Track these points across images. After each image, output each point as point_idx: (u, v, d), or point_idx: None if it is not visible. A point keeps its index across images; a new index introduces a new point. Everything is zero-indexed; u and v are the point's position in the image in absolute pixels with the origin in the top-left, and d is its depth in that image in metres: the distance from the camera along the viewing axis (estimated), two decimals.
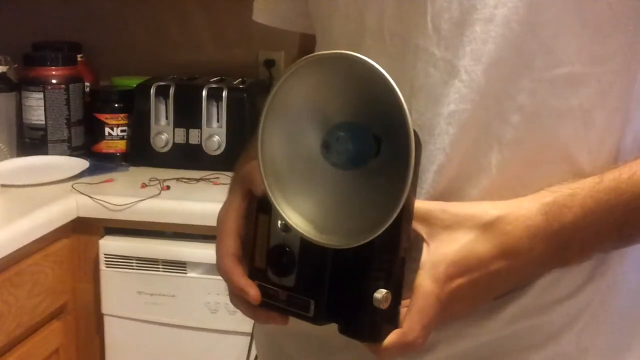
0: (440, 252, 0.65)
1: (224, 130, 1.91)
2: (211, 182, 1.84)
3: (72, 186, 1.75)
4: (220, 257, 0.76)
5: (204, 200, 1.71)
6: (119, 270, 1.69)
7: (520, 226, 0.65)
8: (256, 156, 0.62)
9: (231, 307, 1.74)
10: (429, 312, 0.64)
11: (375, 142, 0.62)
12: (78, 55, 2.11)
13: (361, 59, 0.58)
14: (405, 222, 0.64)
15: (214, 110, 1.92)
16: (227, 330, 1.67)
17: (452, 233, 0.65)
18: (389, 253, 0.64)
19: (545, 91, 0.68)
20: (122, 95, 2.01)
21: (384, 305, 0.64)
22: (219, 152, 1.91)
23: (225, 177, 1.85)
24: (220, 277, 1.67)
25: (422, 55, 0.69)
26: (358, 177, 0.63)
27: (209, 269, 1.67)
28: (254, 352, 1.65)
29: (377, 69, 0.58)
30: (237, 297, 0.73)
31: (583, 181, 0.66)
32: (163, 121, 1.95)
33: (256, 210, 0.72)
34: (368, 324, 0.65)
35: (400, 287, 0.65)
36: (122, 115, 2.00)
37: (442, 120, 0.68)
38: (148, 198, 1.69)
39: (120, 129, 2.00)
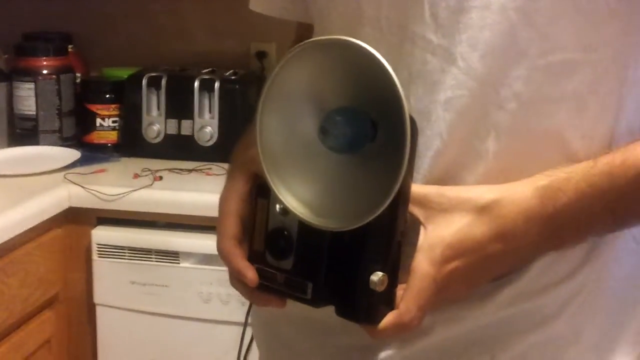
0: (437, 235, 0.66)
1: (216, 121, 1.91)
2: (204, 172, 1.84)
3: (64, 176, 1.75)
4: (221, 239, 0.76)
5: (196, 191, 1.71)
6: (111, 260, 1.69)
7: (515, 209, 0.66)
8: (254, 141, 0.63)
9: (224, 296, 1.75)
10: (426, 294, 0.65)
11: (372, 127, 0.63)
12: (69, 46, 2.11)
13: (358, 44, 0.59)
14: (401, 206, 0.65)
15: (206, 101, 1.92)
16: (219, 320, 1.68)
17: (449, 216, 0.66)
18: (386, 236, 0.65)
19: (540, 78, 0.68)
20: (114, 86, 2.01)
21: (380, 288, 0.65)
22: (211, 143, 1.91)
23: (218, 168, 1.85)
24: (213, 267, 1.69)
25: (419, 42, 0.69)
26: (354, 162, 0.64)
27: (201, 259, 1.67)
28: (246, 342, 1.66)
29: (373, 54, 0.59)
30: (236, 280, 0.74)
31: (577, 165, 0.67)
32: (155, 112, 1.95)
33: (255, 194, 0.72)
34: (364, 306, 0.66)
35: (396, 270, 0.66)
36: (113, 106, 2.00)
37: (439, 106, 0.69)
38: (141, 188, 1.69)
39: (111, 119, 2.00)
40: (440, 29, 0.68)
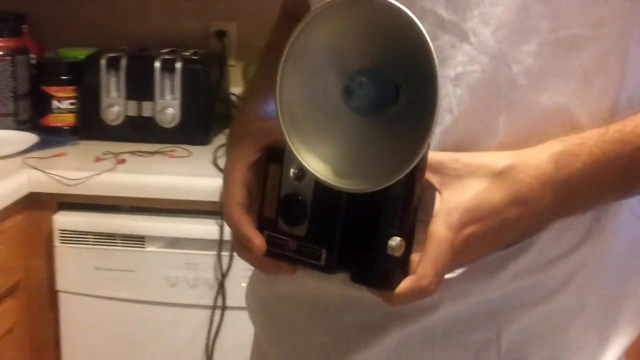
0: (454, 200, 0.65)
1: (178, 102, 1.88)
2: (167, 155, 1.81)
3: (22, 161, 1.70)
4: (228, 207, 0.75)
5: (161, 173, 1.69)
6: (74, 246, 1.65)
7: (531, 174, 0.66)
8: (272, 102, 0.62)
9: (191, 280, 1.72)
10: (443, 258, 0.65)
11: (395, 89, 0.62)
12: (23, 26, 2.04)
13: (387, 1, 0.58)
14: (420, 170, 0.65)
15: (168, 82, 1.88)
16: (187, 304, 1.66)
17: (465, 181, 0.66)
18: (404, 201, 0.65)
19: (550, 53, 0.69)
20: (71, 67, 1.96)
21: (398, 253, 0.64)
22: (173, 124, 1.88)
23: (181, 150, 1.82)
24: (180, 251, 1.67)
25: (429, 18, 0.69)
26: (375, 124, 0.63)
27: (168, 242, 1.65)
28: (215, 325, 1.64)
29: (401, 9, 0.57)
30: (244, 248, 0.72)
31: (590, 132, 0.68)
32: (114, 93, 1.90)
33: (266, 160, 0.71)
34: (381, 272, 0.65)
35: (412, 235, 0.66)
36: (70, 87, 1.95)
37: (448, 82, 0.69)
38: (104, 172, 1.66)
39: (68, 102, 1.95)
40: (451, 5, 0.68)
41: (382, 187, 0.59)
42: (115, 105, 1.89)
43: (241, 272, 1.60)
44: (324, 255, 0.66)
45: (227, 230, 1.60)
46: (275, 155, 0.69)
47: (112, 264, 1.65)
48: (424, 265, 0.65)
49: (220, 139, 1.93)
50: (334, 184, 0.61)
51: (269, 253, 0.69)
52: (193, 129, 1.89)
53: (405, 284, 0.65)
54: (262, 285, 0.89)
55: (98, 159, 1.74)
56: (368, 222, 0.65)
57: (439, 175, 0.67)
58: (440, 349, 0.77)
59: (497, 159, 0.67)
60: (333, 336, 0.81)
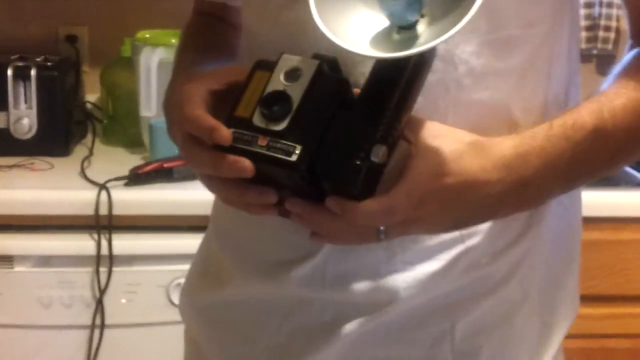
0: (433, 152, 0.66)
1: (34, 111, 1.77)
2: (27, 168, 1.70)
3: None
4: (186, 108, 0.71)
5: (25, 188, 1.60)
6: None
7: (496, 154, 0.68)
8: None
9: (66, 299, 1.63)
10: (415, 192, 0.65)
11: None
12: None
13: None
14: (421, 74, 0.67)
15: (21, 90, 1.77)
16: (63, 325, 1.56)
17: (443, 139, 0.67)
18: (395, 108, 0.65)
19: (488, 53, 0.73)
20: None
21: (381, 160, 0.64)
22: (30, 135, 1.77)
23: (42, 162, 1.73)
24: (52, 269, 1.57)
25: None
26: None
27: (38, 261, 1.55)
28: (94, 345, 1.56)
29: None
30: (197, 146, 0.68)
31: (538, 127, 0.71)
32: None
33: (253, 69, 0.69)
34: (356, 173, 0.64)
35: (392, 150, 0.66)
36: None
37: None
38: None
39: None
40: None
41: (408, 54, 0.62)
42: None
43: (121, 287, 1.54)
44: (297, 151, 0.64)
45: (104, 244, 1.53)
46: (264, 64, 0.69)
47: None
48: (397, 190, 0.65)
49: (81, 149, 1.84)
50: (357, 51, 0.63)
51: (232, 147, 0.66)
52: (52, 140, 1.79)
53: (373, 201, 0.64)
54: (202, 292, 0.87)
55: None
56: (356, 127, 0.65)
57: (415, 132, 0.67)
58: (395, 344, 0.78)
59: (466, 133, 0.69)
60: (282, 338, 0.80)
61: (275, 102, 0.66)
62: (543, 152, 0.69)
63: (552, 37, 0.76)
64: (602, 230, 1.60)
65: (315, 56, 0.68)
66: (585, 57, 2.06)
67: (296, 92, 0.66)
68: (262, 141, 0.65)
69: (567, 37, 0.79)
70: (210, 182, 0.72)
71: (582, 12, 2.02)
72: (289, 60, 0.68)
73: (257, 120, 0.66)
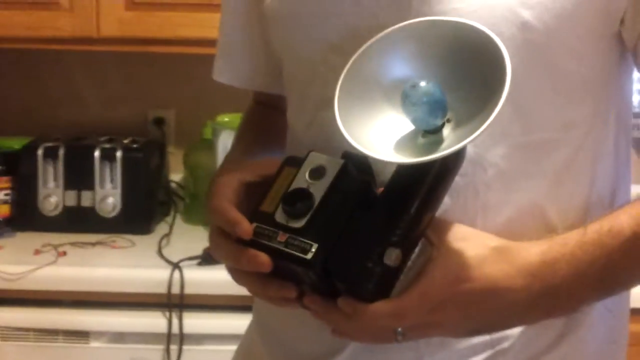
0: (454, 256, 0.66)
1: (119, 191, 1.85)
2: (109, 245, 1.77)
3: None
4: (216, 200, 0.74)
5: (104, 265, 1.66)
6: (16, 344, 1.59)
7: (521, 261, 0.67)
8: None
9: None
10: (429, 298, 0.65)
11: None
12: None
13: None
14: (444, 182, 0.68)
15: (107, 170, 1.86)
16: None
17: (466, 243, 0.67)
18: (415, 213, 0.66)
19: (520, 155, 0.72)
20: (5, 157, 1.90)
21: (393, 263, 0.64)
22: (114, 214, 1.85)
23: (123, 240, 1.79)
24: (126, 346, 1.61)
25: None
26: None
27: (113, 337, 1.60)
28: None
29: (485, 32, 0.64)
30: (223, 237, 0.71)
31: (570, 233, 0.69)
32: (52, 183, 1.86)
33: (283, 164, 0.72)
34: (369, 276, 0.64)
35: (408, 256, 0.66)
36: (5, 178, 1.90)
37: None
38: (45, 265, 1.61)
39: (3, 192, 1.89)
40: None
41: (429, 159, 0.63)
42: (53, 196, 1.85)
43: None
44: (313, 249, 0.66)
45: (175, 323, 1.57)
46: (293, 160, 0.71)
47: None
48: (409, 294, 0.65)
49: (162, 227, 1.90)
50: (379, 157, 0.64)
51: (253, 241, 0.69)
52: (134, 218, 1.85)
53: (382, 303, 0.64)
54: None
55: (38, 252, 1.69)
56: (372, 228, 0.66)
57: (439, 234, 0.67)
58: None
59: (491, 237, 0.69)
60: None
61: (297, 200, 0.68)
62: (574, 260, 0.67)
63: (593, 138, 0.74)
64: None
65: (345, 154, 0.70)
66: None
67: (318, 191, 0.68)
68: (282, 237, 0.67)
69: (613, 135, 0.76)
70: (235, 274, 0.74)
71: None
72: (316, 158, 0.70)
73: (279, 216, 0.68)
